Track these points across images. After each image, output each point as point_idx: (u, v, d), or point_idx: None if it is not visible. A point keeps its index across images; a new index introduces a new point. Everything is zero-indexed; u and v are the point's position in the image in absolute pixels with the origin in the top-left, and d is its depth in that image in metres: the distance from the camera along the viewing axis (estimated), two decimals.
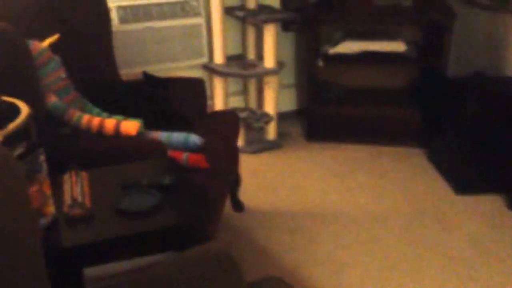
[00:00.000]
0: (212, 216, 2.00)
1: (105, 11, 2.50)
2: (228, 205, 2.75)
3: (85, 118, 1.93)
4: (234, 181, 2.67)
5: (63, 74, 2.01)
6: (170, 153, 2.04)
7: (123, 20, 3.14)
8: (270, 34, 3.26)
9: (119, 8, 3.12)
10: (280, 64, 3.40)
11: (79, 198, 1.45)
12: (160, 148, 1.93)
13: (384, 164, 3.23)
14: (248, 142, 3.44)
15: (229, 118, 2.53)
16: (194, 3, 3.29)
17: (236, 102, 3.66)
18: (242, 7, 3.44)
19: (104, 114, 2.17)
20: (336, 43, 3.48)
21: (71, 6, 2.40)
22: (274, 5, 3.55)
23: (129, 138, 1.91)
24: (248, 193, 2.92)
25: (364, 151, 3.40)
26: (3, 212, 0.86)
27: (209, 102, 3.56)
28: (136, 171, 1.71)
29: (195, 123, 2.40)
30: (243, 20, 3.38)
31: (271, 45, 3.29)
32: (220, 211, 2.16)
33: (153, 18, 3.22)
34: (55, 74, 1.97)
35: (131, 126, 1.92)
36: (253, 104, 3.63)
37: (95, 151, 1.87)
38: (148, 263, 1.43)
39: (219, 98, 3.40)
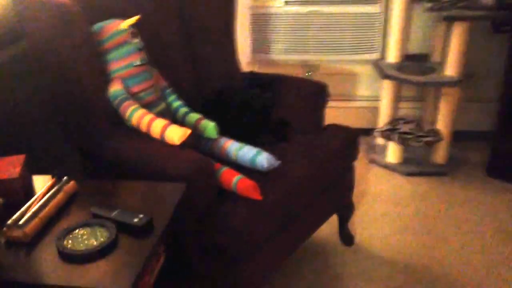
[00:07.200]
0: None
1: None
2: (334, 234, 2.21)
3: (138, 113, 1.61)
4: (344, 209, 2.10)
5: (137, 61, 1.71)
6: (224, 172, 1.61)
7: (288, 2, 2.72)
8: (457, 34, 2.45)
9: None
10: (466, 75, 2.57)
11: (27, 218, 1.16)
12: (206, 167, 1.50)
13: None
14: (406, 160, 2.73)
15: (345, 136, 1.95)
16: None
17: (409, 108, 2.95)
18: None
19: (183, 109, 1.83)
20: None
21: None
22: None
23: (171, 148, 1.53)
24: (373, 223, 2.30)
25: None
26: None
27: (374, 104, 2.96)
28: (130, 194, 1.35)
29: (292, 136, 1.90)
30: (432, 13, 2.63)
31: (457, 49, 2.48)
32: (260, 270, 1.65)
33: (321, 1, 2.71)
34: (127, 59, 1.69)
35: (176, 134, 1.54)
36: (429, 116, 2.86)
37: (122, 156, 1.56)
38: None
39: (386, 101, 2.75)
